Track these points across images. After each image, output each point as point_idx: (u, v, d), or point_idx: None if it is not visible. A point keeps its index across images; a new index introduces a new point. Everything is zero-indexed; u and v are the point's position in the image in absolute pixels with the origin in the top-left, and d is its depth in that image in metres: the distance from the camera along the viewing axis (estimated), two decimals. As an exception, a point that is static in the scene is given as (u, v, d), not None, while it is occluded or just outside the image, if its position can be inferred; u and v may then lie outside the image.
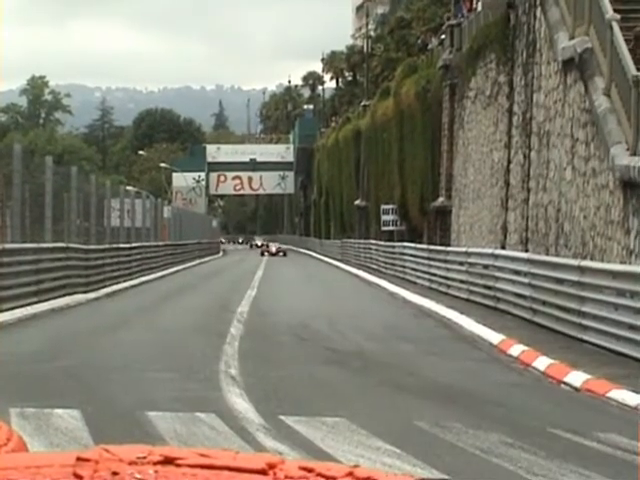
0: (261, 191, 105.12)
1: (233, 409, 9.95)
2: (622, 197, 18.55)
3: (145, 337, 17.09)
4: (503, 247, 28.74)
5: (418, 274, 31.91)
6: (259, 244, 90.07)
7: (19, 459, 1.32)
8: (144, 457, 1.29)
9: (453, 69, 39.18)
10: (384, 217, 50.12)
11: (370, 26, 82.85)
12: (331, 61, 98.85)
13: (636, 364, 12.81)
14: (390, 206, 49.96)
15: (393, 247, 39.72)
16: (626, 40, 19.61)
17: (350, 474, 1.26)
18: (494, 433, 8.86)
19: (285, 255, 72.80)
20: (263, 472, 1.27)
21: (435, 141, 41.95)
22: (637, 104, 17.96)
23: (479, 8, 36.97)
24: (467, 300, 23.80)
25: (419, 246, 34.76)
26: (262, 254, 73.43)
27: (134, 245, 36.46)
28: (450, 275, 26.66)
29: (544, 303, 17.78)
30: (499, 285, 21.32)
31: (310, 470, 1.26)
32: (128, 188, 43.60)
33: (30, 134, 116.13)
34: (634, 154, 17.94)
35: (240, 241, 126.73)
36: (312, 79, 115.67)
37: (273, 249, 76.11)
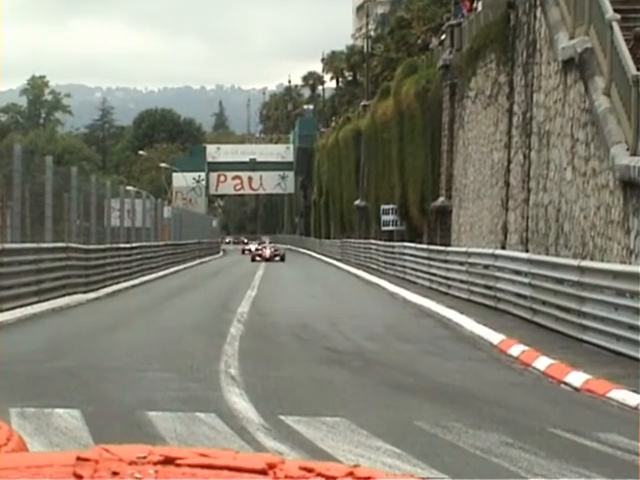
0: (261, 191, 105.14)
1: (233, 409, 9.95)
2: (622, 197, 18.55)
3: (145, 337, 17.10)
4: (503, 247, 28.74)
5: (418, 274, 31.90)
6: (252, 249, 67.66)
7: (19, 459, 1.32)
8: (144, 457, 1.29)
9: (453, 69, 39.19)
10: (384, 217, 50.12)
11: (370, 26, 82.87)
12: (331, 61, 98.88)
13: (636, 364, 12.79)
14: (390, 206, 49.96)
15: (393, 247, 39.71)
16: (626, 40, 19.61)
17: (350, 474, 1.26)
18: (494, 433, 8.86)
19: (283, 260, 59.07)
20: (263, 472, 1.27)
21: (435, 141, 41.96)
22: (637, 104, 17.96)
23: (479, 8, 36.97)
24: (467, 300, 23.80)
25: (419, 246, 34.74)
26: (253, 259, 58.48)
27: (134, 245, 36.46)
28: (450, 275, 26.65)
29: (544, 303, 17.78)
30: (499, 285, 21.32)
31: (310, 470, 1.26)
32: (128, 188, 43.61)
33: (30, 134, 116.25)
34: (634, 154, 17.94)
35: (227, 241, 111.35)
36: (312, 79, 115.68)
37: (267, 252, 59.92)
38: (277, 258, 58.75)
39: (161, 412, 9.69)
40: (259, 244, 70.78)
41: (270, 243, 71.65)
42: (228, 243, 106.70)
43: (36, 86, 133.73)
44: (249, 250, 70.28)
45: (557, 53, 23.79)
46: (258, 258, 58.12)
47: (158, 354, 14.60)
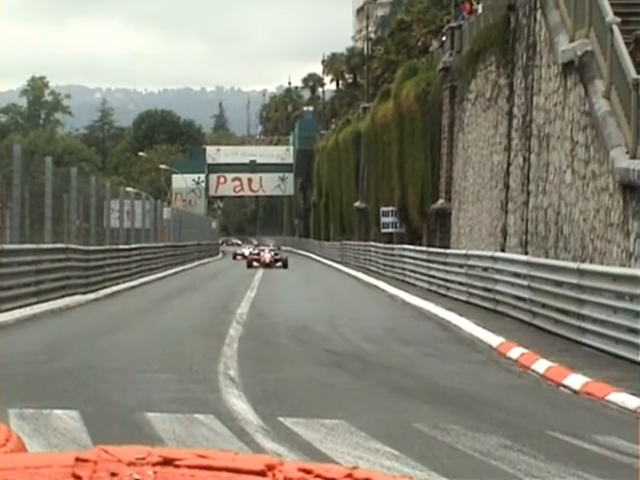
0: (261, 193, 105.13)
1: (232, 410, 9.95)
2: (622, 200, 18.56)
3: (144, 338, 17.10)
4: (503, 250, 28.75)
5: (417, 276, 31.91)
6: (246, 253, 58.41)
7: (18, 460, 1.32)
8: (143, 458, 1.29)
9: (453, 71, 39.21)
10: (384, 219, 50.13)
11: (370, 28, 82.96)
12: (331, 63, 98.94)
13: (635, 367, 12.80)
14: (390, 208, 49.98)
15: (392, 249, 39.73)
16: (626, 43, 19.63)
17: (349, 476, 1.26)
18: (493, 436, 8.86)
19: (285, 266, 51.24)
20: (262, 473, 1.27)
21: (435, 143, 41.97)
22: (637, 107, 17.97)
23: (479, 10, 37.00)
24: (466, 302, 23.80)
25: (419, 248, 34.76)
26: (249, 265, 50.86)
27: (134, 246, 36.48)
28: (450, 277, 26.66)
29: (543, 306, 17.78)
30: (498, 288, 21.33)
31: (309, 472, 1.26)
32: (128, 189, 43.64)
33: (30, 135, 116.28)
34: (634, 157, 17.95)
35: (237, 242, 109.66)
36: (312, 81, 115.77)
37: (266, 257, 51.55)
38: (278, 264, 51.28)
39: (160, 413, 9.69)
40: (255, 247, 62.46)
41: (275, 245, 64.00)
42: (239, 245, 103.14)
43: (36, 87, 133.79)
44: (242, 255, 61.39)
45: (557, 56, 23.80)
46: (256, 264, 50.53)
47: (157, 355, 14.59)
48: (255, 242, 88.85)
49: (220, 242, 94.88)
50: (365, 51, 77.98)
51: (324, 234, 79.75)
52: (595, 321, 14.93)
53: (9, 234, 22.12)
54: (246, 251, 61.05)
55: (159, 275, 40.09)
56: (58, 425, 9.09)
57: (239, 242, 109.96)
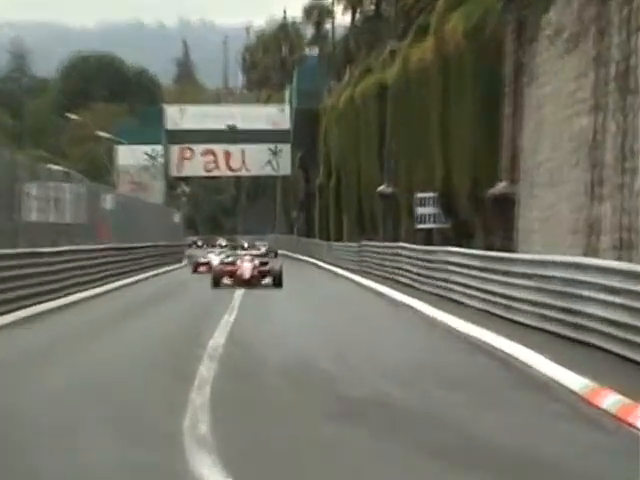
0: (243, 172, 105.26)
1: (202, 487, 10.00)
2: None
3: (79, 383, 17.12)
4: (591, 253, 28.77)
5: (468, 292, 31.96)
6: (214, 263, 53.78)
7: None
8: None
9: (520, -3, 39.26)
10: (420, 210, 50.17)
11: None
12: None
13: None
14: (428, 194, 50.00)
15: (432, 253, 39.78)
16: None
17: None
18: (577, 520, 8.91)
19: (278, 282, 44.59)
20: None
21: (494, 101, 41.98)
22: None
23: None
24: (538, 329, 23.85)
25: (470, 251, 34.80)
26: (216, 283, 44.47)
27: (62, 249, 36.54)
28: (514, 293, 26.70)
29: (649, 334, 17.83)
30: (585, 308, 21.35)
31: None
32: (53, 167, 43.72)
33: None
34: None
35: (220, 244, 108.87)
36: (317, 11, 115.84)
37: (246, 268, 45.18)
38: (266, 280, 45.43)
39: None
40: (229, 250, 60.70)
41: (269, 249, 60.70)
42: (224, 247, 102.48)
43: None
44: (206, 265, 58.35)
45: (669, -25, 23.85)
46: (227, 281, 45.07)
47: (97, 407, 14.63)
48: (246, 244, 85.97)
49: (190, 243, 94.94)
50: (393, -32, 78.04)
51: (334, 231, 79.81)
52: None
53: None
54: (214, 258, 57.83)
55: (99, 290, 40.24)
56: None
57: (222, 243, 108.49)
